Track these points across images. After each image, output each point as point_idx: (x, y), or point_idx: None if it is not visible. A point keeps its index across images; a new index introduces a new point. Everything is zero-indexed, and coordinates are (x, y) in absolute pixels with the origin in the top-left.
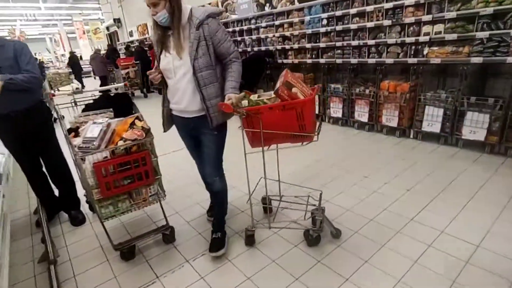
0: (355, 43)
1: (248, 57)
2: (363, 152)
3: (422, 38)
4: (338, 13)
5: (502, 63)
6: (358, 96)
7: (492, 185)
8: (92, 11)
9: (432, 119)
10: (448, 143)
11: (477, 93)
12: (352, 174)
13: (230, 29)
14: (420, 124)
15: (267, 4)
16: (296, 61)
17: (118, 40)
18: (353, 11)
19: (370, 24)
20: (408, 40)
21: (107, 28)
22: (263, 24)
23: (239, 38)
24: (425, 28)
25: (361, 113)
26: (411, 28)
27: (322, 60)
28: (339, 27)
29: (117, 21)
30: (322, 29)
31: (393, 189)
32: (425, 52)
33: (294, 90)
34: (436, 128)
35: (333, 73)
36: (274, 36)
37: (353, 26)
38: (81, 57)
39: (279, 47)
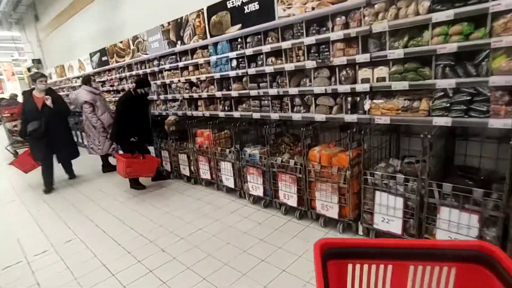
0: (273, 91)
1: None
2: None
3: (360, 87)
4: (249, 51)
5: (481, 127)
6: (280, 169)
7: None
8: (15, 51)
9: (388, 212)
10: None
11: (445, 163)
12: None
13: (134, 72)
14: (370, 217)
15: (179, 42)
16: (207, 113)
17: None
18: (266, 48)
19: (289, 66)
20: (342, 88)
21: (28, 70)
22: (167, 66)
23: None
24: (362, 73)
25: (288, 193)
26: (344, 72)
27: (236, 114)
28: (252, 70)
29: (37, 61)
30: (232, 73)
31: None
32: (366, 107)
33: None
34: (396, 227)
35: (252, 131)
36: (179, 81)
37: (268, 69)
38: None
39: (186, 95)
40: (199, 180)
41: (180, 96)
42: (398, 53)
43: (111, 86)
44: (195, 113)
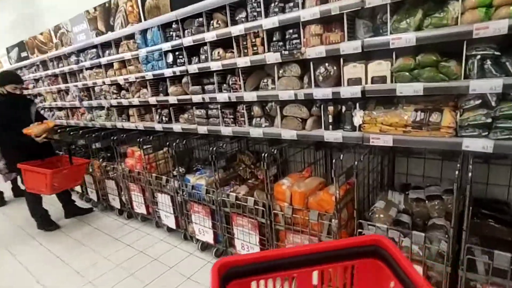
0: (222, 96)
1: None
2: None
3: (346, 90)
4: (188, 40)
5: None
6: (236, 208)
7: None
8: None
9: None
10: None
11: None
12: None
13: (49, 71)
14: None
15: (109, 33)
16: (140, 125)
17: None
18: (210, 36)
19: (243, 61)
20: (319, 93)
21: None
22: (87, 63)
23: (63, 86)
24: (350, 70)
25: (247, 243)
26: (322, 70)
27: (176, 127)
28: (193, 67)
29: None
30: (168, 71)
31: None
32: (356, 120)
33: None
34: None
35: (204, 147)
36: (104, 83)
37: (215, 65)
38: None
39: (114, 101)
40: (134, 213)
41: (107, 102)
42: (408, 38)
43: (25, 89)
44: (126, 124)
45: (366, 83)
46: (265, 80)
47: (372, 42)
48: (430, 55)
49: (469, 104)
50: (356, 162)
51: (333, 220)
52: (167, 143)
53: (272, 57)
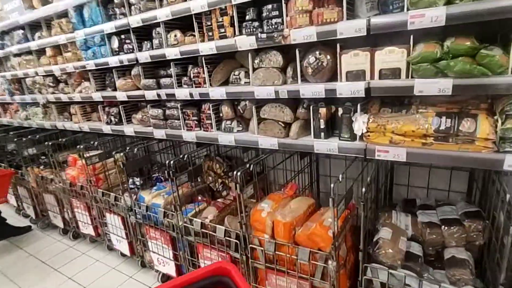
0: (182, 93)
1: None
2: None
3: (344, 87)
4: (135, 20)
5: None
6: (202, 238)
7: None
8: None
9: None
10: None
11: None
12: None
13: None
14: None
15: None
16: (85, 126)
17: None
18: (163, 13)
19: (207, 47)
20: (308, 90)
21: None
22: (14, 49)
23: None
24: (350, 59)
25: None
26: (311, 59)
27: (128, 129)
28: (144, 55)
29: None
30: (113, 60)
31: None
32: (357, 128)
33: None
34: None
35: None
36: (37, 74)
37: (171, 53)
38: None
39: (51, 96)
40: (81, 233)
41: (42, 98)
42: (434, 15)
43: None
44: (68, 125)
45: (372, 78)
46: (236, 73)
47: (382, 21)
48: (465, 39)
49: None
50: (364, 189)
51: (330, 261)
52: (120, 148)
53: (245, 42)
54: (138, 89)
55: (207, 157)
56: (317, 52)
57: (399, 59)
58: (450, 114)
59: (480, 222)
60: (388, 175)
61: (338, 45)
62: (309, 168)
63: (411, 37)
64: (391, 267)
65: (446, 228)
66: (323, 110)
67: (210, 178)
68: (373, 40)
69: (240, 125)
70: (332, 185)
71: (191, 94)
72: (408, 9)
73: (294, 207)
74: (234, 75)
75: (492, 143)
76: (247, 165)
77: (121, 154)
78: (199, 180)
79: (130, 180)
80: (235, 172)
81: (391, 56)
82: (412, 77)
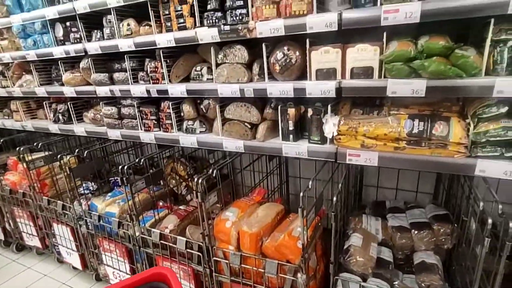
0: (138, 90)
1: None
2: None
3: (313, 86)
4: (82, 4)
5: None
6: (159, 251)
7: None
8: None
9: None
10: None
11: None
12: None
13: None
14: None
15: None
16: (28, 125)
17: None
18: None
19: (164, 39)
20: (275, 89)
21: None
22: None
23: None
24: (321, 56)
25: None
26: (279, 54)
27: (79, 129)
28: (94, 46)
29: None
30: (57, 51)
31: None
32: (327, 130)
33: None
34: None
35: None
36: None
37: (124, 44)
38: None
39: None
40: (26, 245)
41: None
42: (409, 11)
43: None
44: (9, 123)
45: (343, 76)
46: (198, 68)
47: (355, 16)
48: (439, 39)
49: (490, 112)
50: (334, 198)
51: (299, 274)
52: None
53: (207, 35)
54: (89, 84)
55: (171, 159)
56: (285, 48)
57: (372, 58)
58: (423, 117)
59: (448, 226)
60: (358, 176)
61: (307, 41)
62: (278, 170)
63: (385, 34)
64: (363, 276)
65: (416, 232)
66: (291, 111)
67: (174, 181)
68: (344, 36)
69: (203, 126)
70: (301, 194)
71: (148, 91)
72: (381, 4)
73: (261, 215)
74: (196, 70)
75: (465, 147)
76: (210, 170)
77: (68, 157)
78: (161, 183)
79: (84, 185)
80: (195, 179)
81: (364, 54)
82: (385, 76)
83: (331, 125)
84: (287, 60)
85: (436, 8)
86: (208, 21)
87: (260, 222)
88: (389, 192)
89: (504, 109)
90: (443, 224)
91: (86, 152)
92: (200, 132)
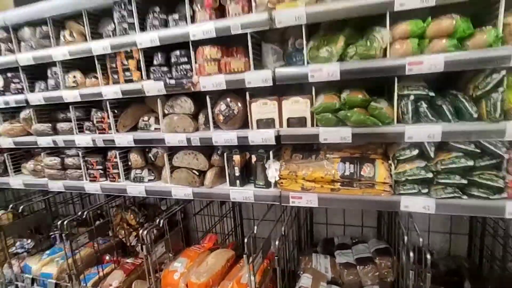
0: (83, 140)
1: None
2: None
3: (255, 135)
4: (26, 57)
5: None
6: None
7: None
8: None
9: None
10: None
11: None
12: None
13: None
14: None
15: None
16: None
17: None
18: (60, 53)
19: (111, 91)
20: (220, 138)
21: None
22: None
23: None
24: (260, 108)
25: None
26: (223, 107)
27: (16, 181)
28: (37, 97)
29: None
30: None
31: None
32: (270, 175)
33: None
34: None
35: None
36: None
37: (69, 96)
38: None
39: None
40: None
41: None
42: (330, 70)
43: None
44: None
45: (281, 126)
46: (145, 118)
47: (286, 73)
48: (357, 92)
49: (405, 155)
50: (277, 242)
51: None
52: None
53: (153, 88)
54: (30, 134)
55: (120, 208)
56: (228, 100)
57: (304, 109)
58: (353, 160)
59: (389, 259)
60: (308, 215)
61: (247, 94)
62: (232, 213)
63: (313, 88)
64: None
65: (361, 267)
66: (237, 158)
67: (123, 231)
68: (280, 90)
69: (152, 174)
70: (245, 240)
71: (94, 141)
72: (308, 63)
73: (211, 263)
74: (143, 120)
75: (390, 186)
76: (157, 221)
77: (0, 213)
78: (110, 234)
79: (18, 243)
80: (141, 232)
81: (297, 106)
82: (317, 125)
83: (273, 170)
84: (230, 111)
85: (350, 69)
86: (155, 75)
87: (209, 271)
88: (338, 228)
89: (415, 152)
90: (384, 257)
91: (21, 207)
92: (149, 180)
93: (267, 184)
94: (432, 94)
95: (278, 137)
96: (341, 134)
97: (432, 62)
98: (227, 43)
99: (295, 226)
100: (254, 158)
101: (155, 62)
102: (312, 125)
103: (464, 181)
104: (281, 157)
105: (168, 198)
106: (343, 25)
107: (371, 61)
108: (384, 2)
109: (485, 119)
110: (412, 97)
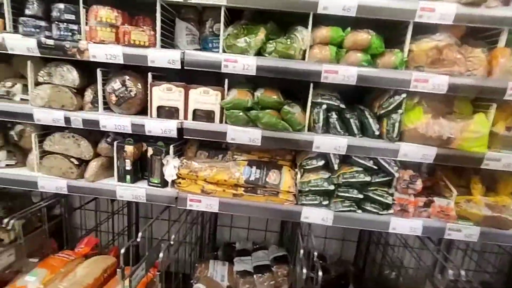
0: None
1: None
2: None
3: (153, 125)
4: None
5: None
6: None
7: None
8: None
9: None
10: None
11: None
12: None
13: None
14: None
15: None
16: None
17: None
18: None
19: None
20: (110, 122)
21: None
22: None
23: None
24: (163, 94)
25: None
26: (116, 84)
27: None
28: None
29: None
30: None
31: None
32: (167, 173)
33: None
34: None
35: None
36: None
37: None
38: None
39: None
40: None
41: None
42: (247, 63)
43: None
44: None
45: (186, 117)
46: (9, 84)
47: (197, 57)
48: (271, 93)
49: (311, 164)
50: (161, 254)
51: None
52: None
53: (21, 45)
54: None
55: None
56: (126, 77)
57: (213, 102)
58: (260, 164)
59: (285, 267)
60: (212, 217)
61: (150, 75)
62: (127, 210)
63: (226, 80)
64: None
65: (258, 276)
66: (129, 148)
67: None
68: (189, 76)
69: (13, 158)
70: (122, 251)
71: None
72: (224, 51)
73: (81, 274)
74: (5, 86)
75: (293, 196)
76: (8, 221)
77: None
78: None
79: None
80: None
81: (206, 98)
82: (226, 122)
83: (171, 167)
84: (126, 92)
85: (268, 65)
86: (25, 29)
87: (76, 285)
88: (242, 231)
89: (321, 162)
90: (280, 265)
91: None
92: (7, 165)
93: (163, 183)
94: (343, 106)
95: (180, 130)
96: (251, 136)
97: (346, 73)
98: (134, 10)
99: (198, 228)
100: (150, 151)
101: (27, 12)
102: (221, 121)
103: (361, 196)
104: (185, 153)
105: (34, 191)
106: (267, 19)
107: (289, 62)
108: (308, 2)
109: (384, 137)
110: (324, 106)
